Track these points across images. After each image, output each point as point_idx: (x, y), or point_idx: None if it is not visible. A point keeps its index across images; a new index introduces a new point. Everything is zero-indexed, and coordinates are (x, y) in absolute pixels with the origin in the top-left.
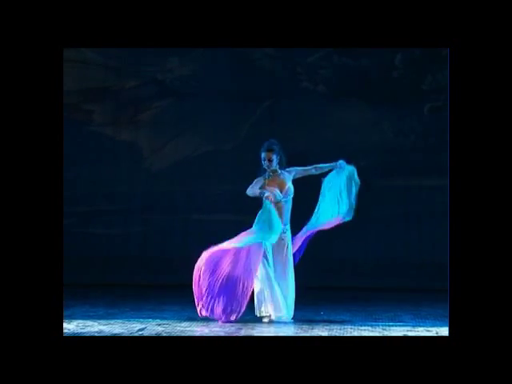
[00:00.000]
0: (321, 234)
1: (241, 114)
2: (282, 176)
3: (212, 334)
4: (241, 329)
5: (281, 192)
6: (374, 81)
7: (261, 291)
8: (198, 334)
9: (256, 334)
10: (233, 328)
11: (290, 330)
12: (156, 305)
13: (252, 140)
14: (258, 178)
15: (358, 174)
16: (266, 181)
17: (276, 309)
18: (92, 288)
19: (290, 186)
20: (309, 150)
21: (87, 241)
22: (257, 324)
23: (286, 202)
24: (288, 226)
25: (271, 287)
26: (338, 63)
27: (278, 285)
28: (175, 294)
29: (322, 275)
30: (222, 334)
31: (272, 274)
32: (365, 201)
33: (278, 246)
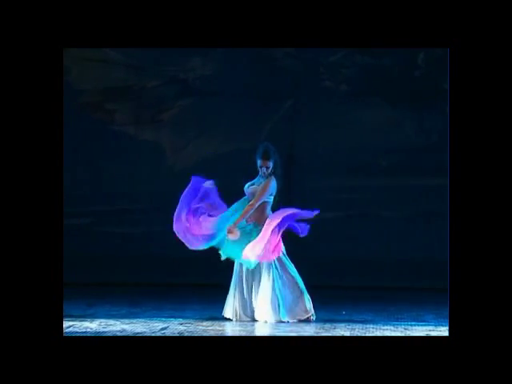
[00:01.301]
0: (342, 234)
1: (263, 113)
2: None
3: (232, 334)
4: (262, 328)
5: (265, 196)
6: (397, 80)
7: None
8: (218, 333)
9: (277, 334)
10: (254, 327)
11: (311, 330)
12: (178, 304)
13: (274, 139)
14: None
15: (380, 173)
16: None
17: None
18: (114, 287)
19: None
20: (330, 149)
21: (109, 240)
22: (279, 324)
23: (268, 202)
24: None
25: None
26: (361, 62)
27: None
28: (197, 293)
29: (344, 275)
30: (243, 333)
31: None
32: (387, 200)
33: None
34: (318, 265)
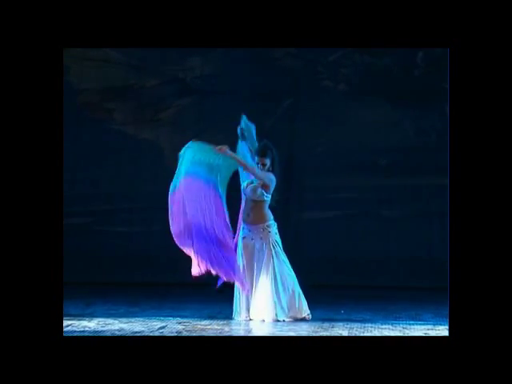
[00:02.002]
0: (342, 233)
1: (262, 112)
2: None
3: (231, 333)
4: (261, 327)
5: (266, 190)
6: (396, 79)
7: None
8: (216, 332)
9: (276, 333)
10: (253, 326)
11: (310, 329)
12: (176, 303)
13: (273, 138)
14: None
15: (380, 172)
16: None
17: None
18: (113, 286)
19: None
20: (330, 148)
21: (108, 239)
22: (277, 323)
23: (267, 199)
24: (271, 223)
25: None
26: (360, 62)
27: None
28: (195, 292)
29: (343, 274)
30: (241, 332)
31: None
32: (386, 200)
33: (259, 245)
34: (317, 264)
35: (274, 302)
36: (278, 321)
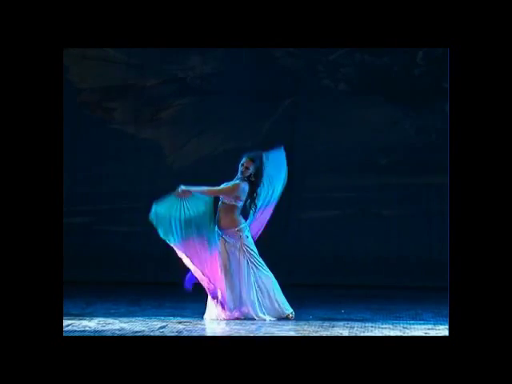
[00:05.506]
0: (342, 232)
1: (262, 112)
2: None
3: (231, 333)
4: (261, 327)
5: (238, 199)
6: (396, 79)
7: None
8: (217, 332)
9: (276, 333)
10: (253, 326)
11: (310, 329)
12: (177, 303)
13: (273, 138)
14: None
15: (380, 172)
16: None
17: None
18: (113, 286)
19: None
20: (330, 148)
21: (109, 239)
22: (278, 322)
23: (237, 207)
24: (243, 227)
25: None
26: (360, 61)
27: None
28: (196, 292)
29: (343, 274)
30: (242, 332)
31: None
32: (387, 199)
33: (235, 251)
34: (317, 263)
35: (252, 301)
36: (263, 319)
